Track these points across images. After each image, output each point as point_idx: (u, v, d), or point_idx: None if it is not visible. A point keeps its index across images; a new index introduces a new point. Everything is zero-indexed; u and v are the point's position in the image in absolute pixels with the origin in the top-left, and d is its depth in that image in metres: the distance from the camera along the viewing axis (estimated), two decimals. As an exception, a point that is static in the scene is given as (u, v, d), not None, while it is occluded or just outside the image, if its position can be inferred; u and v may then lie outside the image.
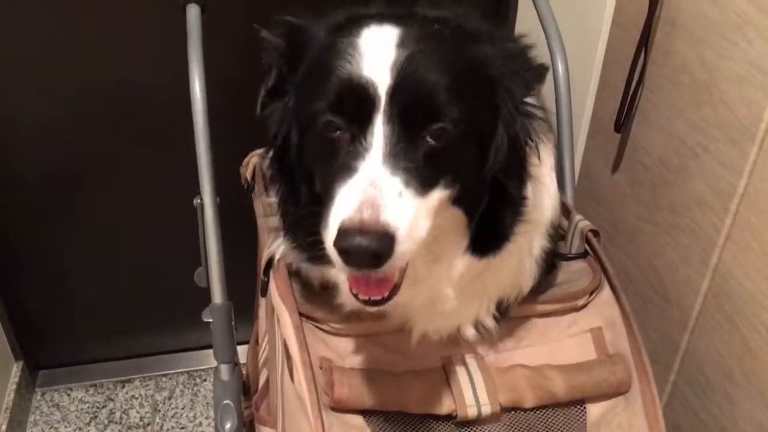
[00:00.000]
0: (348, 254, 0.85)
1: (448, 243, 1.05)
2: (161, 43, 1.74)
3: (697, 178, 1.33)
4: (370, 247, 0.84)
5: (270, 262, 1.22)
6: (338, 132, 0.93)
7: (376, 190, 0.87)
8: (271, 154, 1.07)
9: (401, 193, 0.88)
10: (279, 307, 1.16)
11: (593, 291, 1.25)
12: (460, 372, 1.14)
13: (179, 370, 2.43)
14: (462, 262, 1.06)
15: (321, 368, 1.11)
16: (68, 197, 2.08)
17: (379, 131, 0.91)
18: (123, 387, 2.38)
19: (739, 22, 1.18)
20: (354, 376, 1.10)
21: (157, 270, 2.22)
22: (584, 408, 1.17)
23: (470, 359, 1.16)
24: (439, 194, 0.94)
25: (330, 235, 0.88)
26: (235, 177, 1.56)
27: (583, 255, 1.33)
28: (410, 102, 0.91)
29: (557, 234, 1.28)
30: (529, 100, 1.02)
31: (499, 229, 1.05)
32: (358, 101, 0.92)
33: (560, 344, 1.22)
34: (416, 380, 1.12)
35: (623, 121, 1.49)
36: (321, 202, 0.98)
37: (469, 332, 1.16)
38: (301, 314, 1.15)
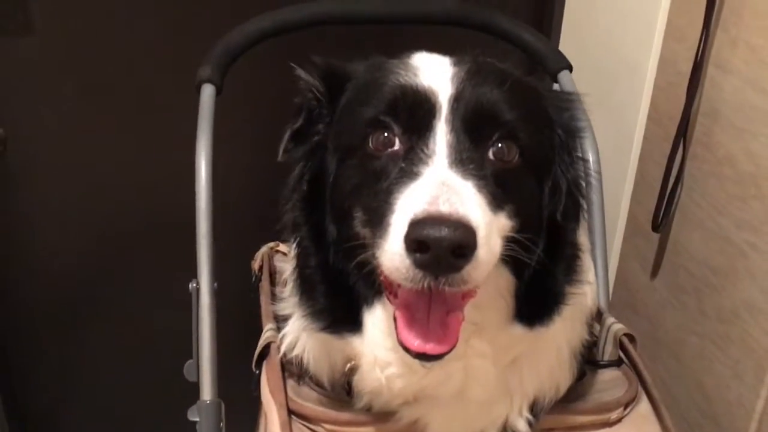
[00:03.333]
0: (424, 249, 0.71)
1: (492, 309, 0.91)
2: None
3: (747, 280, 1.18)
4: (453, 237, 0.71)
5: (263, 353, 1.10)
6: (390, 147, 0.84)
7: (448, 188, 0.76)
8: (294, 197, 0.97)
9: (476, 195, 0.78)
10: (267, 401, 1.03)
11: (629, 403, 1.09)
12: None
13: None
14: (507, 334, 0.92)
15: (309, 475, 0.96)
16: (75, 299, 2.01)
17: (441, 139, 0.82)
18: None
19: (788, 108, 1.08)
20: (346, 486, 0.95)
21: (162, 375, 2.09)
22: None
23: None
24: (504, 222, 0.84)
25: (395, 236, 0.75)
26: (237, 267, 1.47)
27: (617, 363, 1.18)
28: (474, 111, 0.84)
29: (592, 331, 1.14)
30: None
31: (552, 287, 0.93)
32: (416, 107, 0.84)
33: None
34: (419, 496, 0.96)
35: (662, 221, 1.37)
36: (353, 247, 0.86)
37: None
38: (291, 411, 1.02)
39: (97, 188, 1.87)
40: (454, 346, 0.80)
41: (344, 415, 1.01)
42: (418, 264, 0.72)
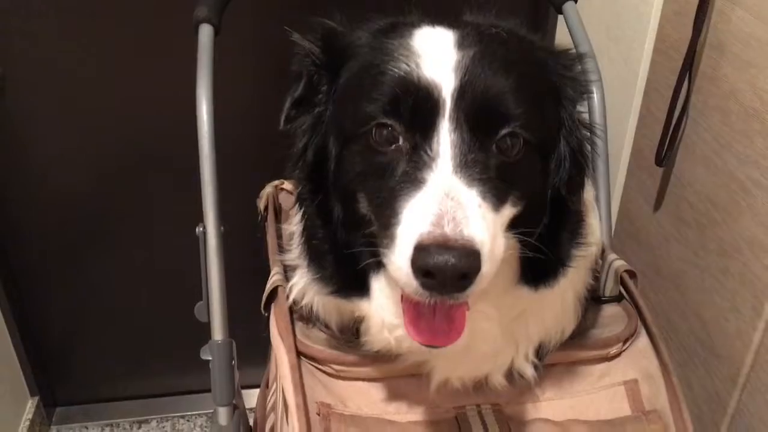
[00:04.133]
0: (430, 275, 0.74)
1: (497, 275, 0.91)
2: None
3: (749, 216, 1.19)
4: (458, 266, 0.73)
5: (271, 296, 1.13)
6: (394, 143, 0.83)
7: (453, 202, 0.77)
8: (299, 170, 0.97)
9: (480, 206, 0.79)
10: (277, 344, 1.06)
11: (628, 338, 1.12)
12: (475, 425, 1.02)
13: (197, 412, 2.33)
14: (513, 295, 0.95)
15: (318, 414, 1.00)
16: (86, 234, 2.05)
17: (445, 138, 0.81)
18: (139, 427, 2.30)
19: (796, 43, 1.06)
20: (355, 424, 1.00)
21: (177, 309, 2.14)
22: (614, 472, 1.03)
23: (487, 411, 1.04)
24: (509, 211, 0.85)
25: (401, 254, 0.77)
26: (243, 207, 1.48)
27: (617, 298, 1.21)
28: (479, 106, 0.82)
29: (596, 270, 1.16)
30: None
31: (558, 253, 0.94)
32: (418, 104, 0.83)
33: (589, 397, 1.09)
34: (425, 431, 1.00)
35: (666, 154, 1.36)
36: (358, 224, 0.89)
37: (499, 381, 1.04)
38: (299, 353, 1.05)
39: (98, 129, 1.87)
40: (460, 336, 0.83)
41: (351, 357, 1.04)
42: (424, 286, 0.75)
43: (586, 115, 0.95)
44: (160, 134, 1.89)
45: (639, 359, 1.10)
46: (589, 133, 0.94)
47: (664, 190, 1.45)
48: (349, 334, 1.08)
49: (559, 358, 1.08)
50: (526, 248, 0.89)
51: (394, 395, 1.04)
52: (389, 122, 0.83)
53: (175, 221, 1.97)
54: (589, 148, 0.94)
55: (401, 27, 0.91)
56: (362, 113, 0.84)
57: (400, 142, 0.83)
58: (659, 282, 1.49)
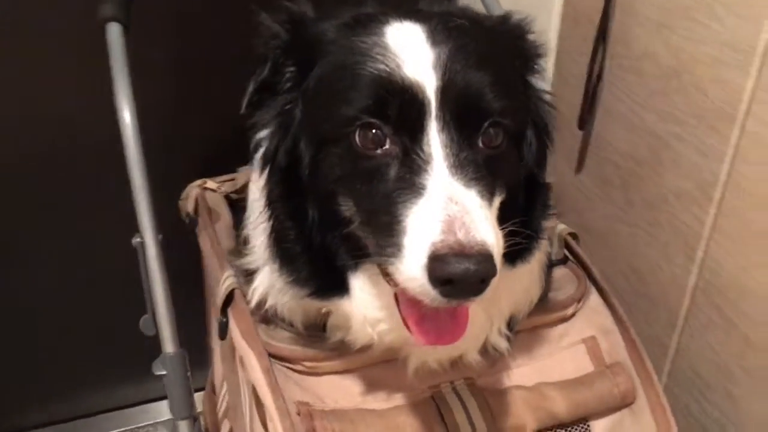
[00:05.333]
0: (449, 283, 0.73)
1: None
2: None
3: (673, 169, 1.26)
4: (479, 272, 0.73)
5: (228, 300, 1.09)
6: (381, 146, 0.82)
7: (458, 206, 0.76)
8: (269, 173, 0.94)
9: (481, 207, 0.79)
10: (243, 349, 1.03)
11: (581, 298, 1.16)
12: (453, 401, 1.03)
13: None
14: None
15: (299, 414, 0.98)
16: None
17: (435, 139, 0.80)
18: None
19: (707, 2, 1.12)
20: (337, 419, 0.98)
21: (112, 317, 2.01)
22: (588, 426, 1.07)
23: (461, 386, 1.05)
24: (497, 202, 0.85)
25: (413, 264, 0.75)
26: (177, 211, 1.42)
27: (563, 261, 1.25)
28: (463, 103, 0.82)
29: None
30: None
31: (533, 227, 0.96)
32: (405, 106, 0.81)
33: (553, 359, 1.12)
34: (406, 416, 1.00)
35: (586, 118, 1.42)
36: (336, 225, 0.87)
37: (474, 357, 1.05)
38: (269, 355, 1.02)
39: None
40: (465, 332, 0.84)
41: (322, 352, 1.02)
42: (443, 294, 0.74)
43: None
44: (75, 142, 1.75)
45: (593, 316, 1.15)
46: (547, 105, 0.96)
47: (585, 152, 1.51)
48: (316, 330, 1.06)
49: (524, 325, 1.11)
50: (503, 228, 0.89)
51: (370, 384, 1.03)
52: (374, 120, 0.81)
53: (97, 233, 1.86)
54: (551, 119, 0.96)
55: (369, 22, 0.88)
56: (342, 115, 0.82)
57: (388, 144, 0.82)
58: (590, 242, 1.55)
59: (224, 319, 1.09)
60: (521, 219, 0.88)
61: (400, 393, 1.03)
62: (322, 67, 0.88)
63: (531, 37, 0.95)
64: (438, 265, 0.73)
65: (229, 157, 1.58)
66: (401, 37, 0.85)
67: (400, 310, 0.87)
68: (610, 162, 1.43)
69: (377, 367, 1.04)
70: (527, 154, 0.93)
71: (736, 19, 1.07)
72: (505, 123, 0.84)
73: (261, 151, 1.07)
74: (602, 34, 1.34)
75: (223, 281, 1.11)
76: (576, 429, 1.06)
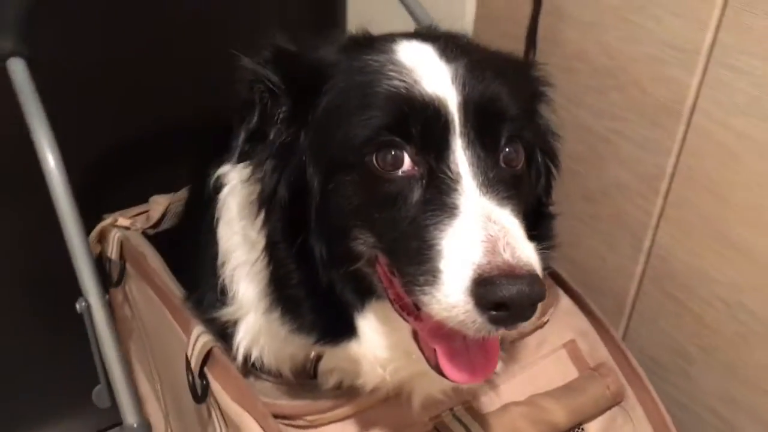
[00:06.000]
0: (502, 308, 0.68)
1: None
2: None
3: (614, 164, 1.30)
4: (533, 294, 0.68)
5: (207, 358, 0.99)
6: (400, 167, 0.76)
7: (498, 226, 0.71)
8: (268, 212, 0.85)
9: (518, 226, 0.74)
10: (238, 414, 0.94)
11: (554, 303, 1.17)
12: (457, 429, 1.01)
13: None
14: None
15: (307, 473, 0.91)
16: None
17: (462, 157, 0.76)
18: None
19: (641, 2, 1.16)
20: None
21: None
22: (582, 429, 1.09)
23: (461, 412, 1.03)
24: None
25: (455, 290, 0.69)
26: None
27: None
28: (485, 118, 0.78)
29: None
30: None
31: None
32: (429, 122, 0.76)
33: (537, 368, 1.13)
34: (416, 453, 0.97)
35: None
36: (344, 262, 0.82)
37: None
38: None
39: None
40: (496, 366, 0.81)
41: (325, 402, 0.96)
42: (492, 321, 0.69)
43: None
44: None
45: (568, 319, 1.17)
46: (554, 134, 0.96)
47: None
48: (305, 377, 0.99)
49: (507, 337, 1.10)
50: None
51: (373, 426, 0.98)
52: (397, 141, 0.76)
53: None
54: (558, 149, 0.96)
55: (374, 42, 0.84)
56: (357, 137, 0.77)
57: (408, 165, 0.77)
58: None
59: (204, 382, 0.99)
60: None
61: (405, 430, 0.99)
62: (329, 92, 0.82)
63: (537, 69, 0.95)
64: (489, 289, 0.68)
65: (135, 185, 1.46)
66: (414, 54, 0.81)
67: (421, 348, 0.82)
68: (542, 159, 1.46)
69: (379, 407, 0.99)
70: (535, 180, 0.92)
71: (675, 18, 1.11)
72: (523, 140, 0.82)
73: (225, 189, 0.99)
74: (532, 36, 1.35)
75: (194, 339, 1.01)
76: (571, 434, 1.08)
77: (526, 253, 0.71)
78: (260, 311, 0.93)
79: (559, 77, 1.33)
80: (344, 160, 0.79)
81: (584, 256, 1.44)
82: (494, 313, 0.69)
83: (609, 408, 1.09)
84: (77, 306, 1.04)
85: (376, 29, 0.91)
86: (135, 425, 1.06)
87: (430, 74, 0.78)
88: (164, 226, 1.43)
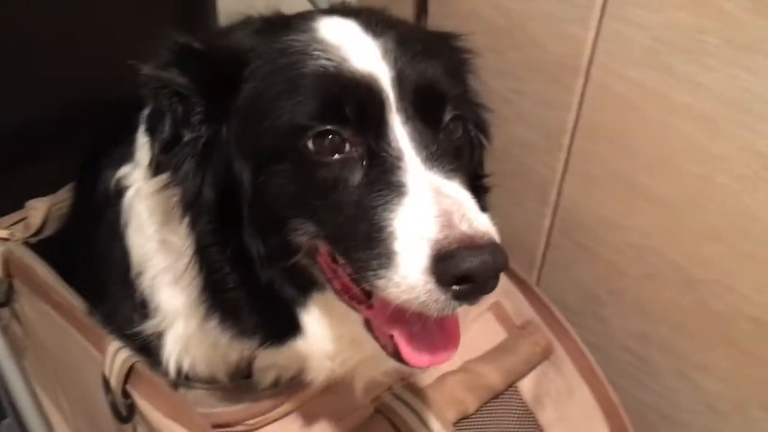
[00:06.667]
0: (466, 281, 0.65)
1: None
2: None
3: (515, 122, 1.31)
4: (497, 263, 0.65)
5: (128, 375, 0.92)
6: (339, 151, 0.72)
7: (450, 199, 0.68)
8: (194, 216, 0.79)
9: (470, 197, 0.71)
10: (172, 429, 0.88)
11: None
12: (400, 408, 1.00)
13: None
14: None
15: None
16: None
17: (401, 133, 0.72)
18: None
19: (531, -39, 1.16)
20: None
21: None
22: (516, 388, 1.11)
23: (400, 390, 1.02)
24: None
25: (412, 269, 0.66)
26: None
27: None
28: (422, 92, 0.75)
29: None
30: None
31: None
32: (363, 101, 0.72)
33: (466, 334, 1.12)
34: (363, 438, 0.95)
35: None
36: (284, 257, 0.77)
37: None
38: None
39: None
40: (458, 344, 0.78)
41: (265, 403, 0.92)
42: (456, 296, 0.66)
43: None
44: None
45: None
46: (483, 105, 0.93)
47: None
48: (240, 378, 0.95)
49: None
50: None
51: (314, 418, 0.96)
52: (332, 128, 0.71)
53: None
54: (485, 122, 0.93)
55: (292, 22, 0.78)
56: (288, 124, 0.72)
57: (347, 148, 0.72)
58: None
59: (128, 401, 0.92)
60: None
61: (348, 416, 0.98)
62: (249, 79, 0.76)
63: (461, 40, 0.91)
64: (451, 263, 0.65)
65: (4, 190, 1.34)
66: (338, 31, 0.76)
67: (375, 337, 0.79)
68: (443, 122, 1.45)
69: (320, 397, 0.96)
70: (470, 153, 0.89)
71: (568, -25, 1.12)
72: (462, 113, 0.80)
73: (130, 192, 0.91)
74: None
75: (111, 356, 0.93)
76: (506, 395, 1.10)
77: (484, 223, 0.69)
78: (192, 320, 0.87)
79: (454, 39, 1.32)
80: (275, 149, 0.74)
81: (491, 214, 1.45)
82: (457, 288, 0.66)
83: (539, 363, 1.12)
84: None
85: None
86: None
87: (359, 50, 0.74)
88: (47, 232, 1.32)
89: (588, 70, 1.16)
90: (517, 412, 1.09)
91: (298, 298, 0.82)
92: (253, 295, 0.80)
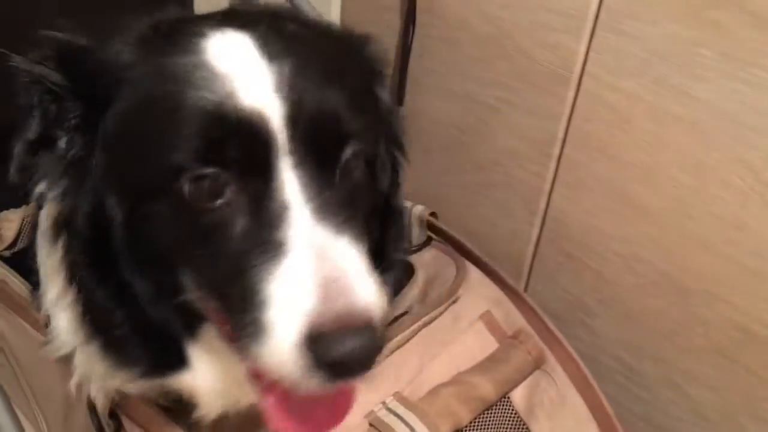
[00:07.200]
0: (336, 366, 0.61)
1: None
2: None
3: (504, 132, 1.31)
4: (371, 347, 0.61)
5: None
6: (219, 197, 0.65)
7: (332, 264, 0.63)
8: (65, 241, 0.74)
9: (359, 258, 0.66)
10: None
11: (464, 277, 1.17)
12: (394, 423, 0.98)
13: None
14: None
15: None
16: None
17: (290, 179, 0.66)
18: None
19: (520, -29, 1.16)
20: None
21: None
22: (508, 399, 1.10)
23: (393, 403, 1.01)
24: (362, 235, 0.72)
25: (283, 346, 0.61)
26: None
27: (427, 242, 1.25)
28: (318, 132, 0.68)
29: None
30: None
31: (385, 260, 0.86)
32: (246, 144, 0.65)
33: (456, 344, 1.12)
34: (362, 457, 0.93)
35: (403, 93, 1.40)
36: (172, 293, 0.71)
37: None
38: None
39: None
40: (347, 413, 0.73)
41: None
42: (327, 379, 0.62)
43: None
44: None
45: (480, 290, 1.17)
46: (398, 118, 0.89)
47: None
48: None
49: (424, 321, 1.08)
50: None
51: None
52: (211, 172, 0.65)
53: None
54: (401, 138, 0.88)
55: (179, 34, 0.71)
56: (163, 163, 0.65)
57: (229, 194, 0.66)
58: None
59: (116, 422, 0.89)
60: (374, 252, 0.76)
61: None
62: (122, 101, 0.69)
63: (373, 46, 0.84)
64: (323, 346, 0.60)
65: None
66: (228, 53, 0.68)
67: (258, 391, 0.72)
68: (428, 133, 1.44)
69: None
70: (381, 177, 0.84)
71: (558, -15, 1.12)
72: (363, 148, 0.72)
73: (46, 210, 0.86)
74: (410, 8, 1.32)
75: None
76: (498, 406, 1.09)
77: (365, 297, 0.63)
78: (79, 344, 0.82)
79: (442, 49, 1.33)
80: (149, 188, 0.68)
81: (478, 225, 1.45)
82: (329, 372, 0.62)
83: (532, 372, 1.12)
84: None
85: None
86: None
87: (248, 81, 0.66)
88: (21, 245, 1.28)
89: (579, 81, 1.16)
90: (510, 423, 1.08)
91: (186, 332, 0.78)
92: (136, 330, 0.75)
